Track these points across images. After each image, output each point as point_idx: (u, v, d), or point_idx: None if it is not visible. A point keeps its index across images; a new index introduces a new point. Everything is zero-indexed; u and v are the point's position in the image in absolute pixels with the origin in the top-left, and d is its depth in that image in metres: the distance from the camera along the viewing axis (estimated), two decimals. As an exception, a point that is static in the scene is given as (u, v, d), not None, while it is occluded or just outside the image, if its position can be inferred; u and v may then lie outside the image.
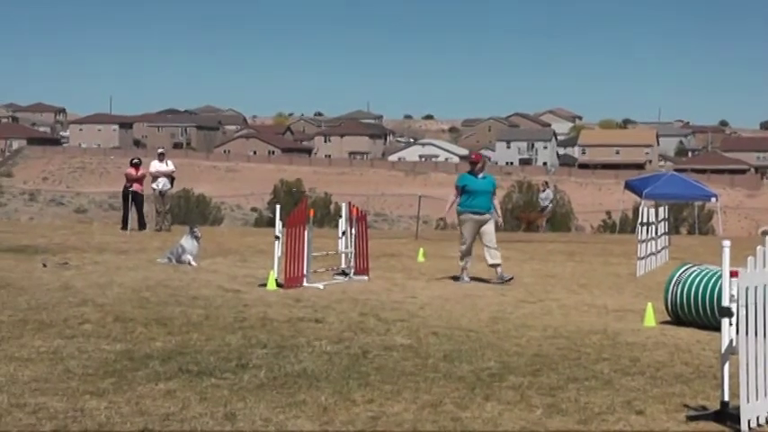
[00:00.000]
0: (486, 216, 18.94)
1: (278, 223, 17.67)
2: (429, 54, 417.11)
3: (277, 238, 17.50)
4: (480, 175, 19.19)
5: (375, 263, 20.64)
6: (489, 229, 18.98)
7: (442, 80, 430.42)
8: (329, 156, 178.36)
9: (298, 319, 13.35)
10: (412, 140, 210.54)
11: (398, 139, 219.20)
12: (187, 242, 20.04)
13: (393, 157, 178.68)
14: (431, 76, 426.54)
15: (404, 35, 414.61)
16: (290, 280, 17.02)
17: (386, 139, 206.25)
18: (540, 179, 61.53)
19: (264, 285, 16.79)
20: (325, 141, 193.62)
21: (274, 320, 13.12)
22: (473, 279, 19.03)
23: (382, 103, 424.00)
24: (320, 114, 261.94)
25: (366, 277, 18.92)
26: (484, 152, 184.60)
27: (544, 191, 45.08)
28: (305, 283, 17.30)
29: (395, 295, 16.57)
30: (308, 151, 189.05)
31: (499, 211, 19.55)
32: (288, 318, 13.40)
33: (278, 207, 18.52)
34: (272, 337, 11.77)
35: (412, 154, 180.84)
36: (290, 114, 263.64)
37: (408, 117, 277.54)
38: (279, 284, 16.82)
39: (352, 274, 18.95)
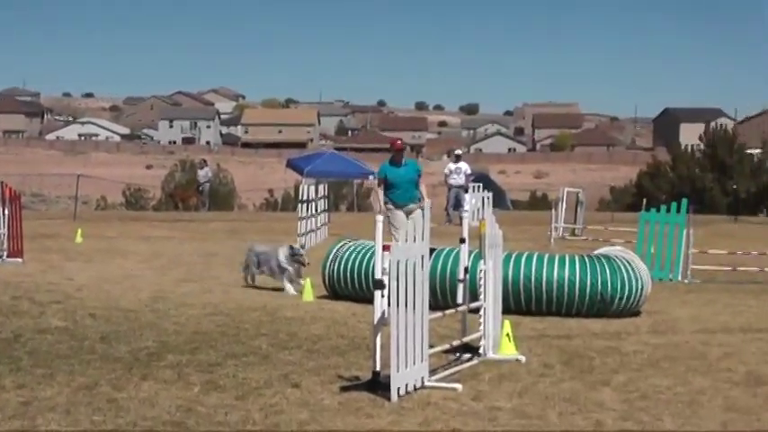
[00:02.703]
0: (411, 206, 17.49)
1: None
2: (88, 29, 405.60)
3: None
4: (404, 163, 17.75)
5: (30, 245, 19.90)
6: (416, 217, 17.82)
7: (102, 57, 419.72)
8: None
9: (-56, 304, 12.70)
10: (71, 119, 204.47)
11: (57, 117, 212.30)
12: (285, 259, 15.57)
13: (51, 136, 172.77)
14: (91, 52, 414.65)
15: (63, 8, 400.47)
16: (-63, 264, 16.17)
17: (43, 117, 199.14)
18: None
19: None
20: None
21: None
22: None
23: (39, 79, 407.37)
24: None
25: (20, 259, 18.26)
26: (146, 131, 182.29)
27: (202, 169, 44.11)
28: (-47, 267, 16.49)
29: (51, 277, 16.09)
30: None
31: (425, 196, 18.09)
32: (-67, 303, 12.71)
33: None
34: None
35: (71, 132, 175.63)
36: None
37: (67, 95, 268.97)
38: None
39: (5, 257, 18.24)
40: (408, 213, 17.21)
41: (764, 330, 12.47)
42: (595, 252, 14.07)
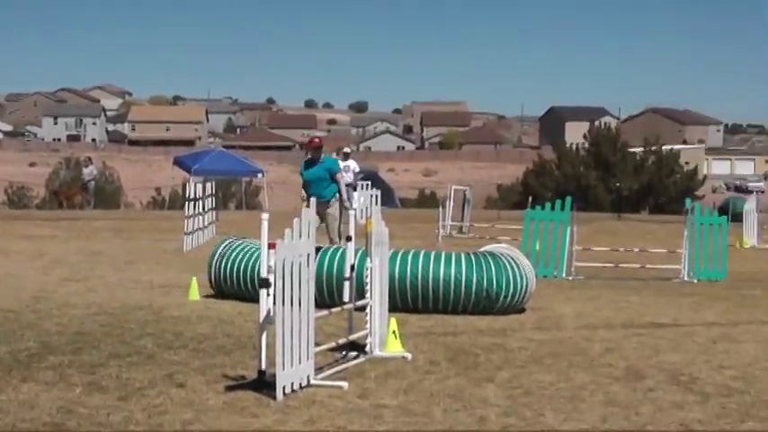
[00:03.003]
0: (323, 204, 17.21)
1: None
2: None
3: None
4: (320, 161, 17.60)
5: None
6: (328, 217, 17.50)
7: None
8: None
9: None
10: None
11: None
12: None
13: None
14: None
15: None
16: None
17: None
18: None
19: None
20: None
21: None
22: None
23: None
24: None
25: None
26: (30, 128, 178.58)
27: (87, 167, 43.25)
28: None
29: (-72, 277, 15.69)
30: None
31: (344, 195, 17.82)
32: None
33: None
34: None
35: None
36: None
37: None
38: None
39: None
40: (322, 211, 17.04)
41: (645, 326, 12.74)
42: (481, 249, 14.21)
